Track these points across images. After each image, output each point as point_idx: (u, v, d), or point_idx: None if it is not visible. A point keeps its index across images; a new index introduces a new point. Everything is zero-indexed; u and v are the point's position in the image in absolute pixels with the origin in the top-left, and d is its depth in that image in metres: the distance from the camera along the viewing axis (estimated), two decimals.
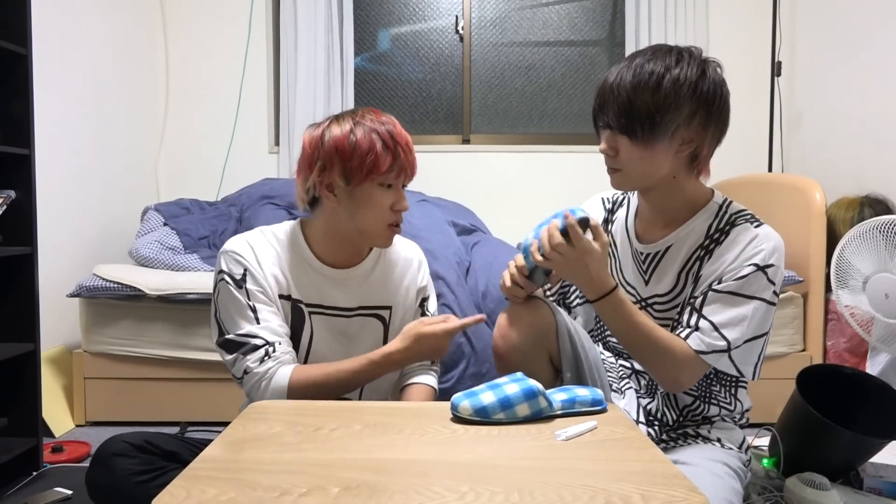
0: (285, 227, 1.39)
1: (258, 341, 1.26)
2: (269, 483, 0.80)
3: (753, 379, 1.23)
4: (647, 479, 0.82)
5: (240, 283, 1.28)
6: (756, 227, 1.21)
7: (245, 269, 1.29)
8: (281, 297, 1.33)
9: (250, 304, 1.28)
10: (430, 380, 1.46)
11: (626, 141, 1.20)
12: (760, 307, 1.18)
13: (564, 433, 0.97)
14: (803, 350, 2.48)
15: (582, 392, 1.09)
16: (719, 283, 1.19)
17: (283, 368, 1.25)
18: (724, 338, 1.18)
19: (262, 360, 1.25)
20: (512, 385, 1.05)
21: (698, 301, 1.21)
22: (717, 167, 3.52)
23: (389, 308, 1.41)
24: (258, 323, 1.27)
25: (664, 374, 1.23)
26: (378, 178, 1.26)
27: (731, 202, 1.28)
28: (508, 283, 1.30)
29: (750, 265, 1.17)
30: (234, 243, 1.32)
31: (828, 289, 2.37)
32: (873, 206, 2.53)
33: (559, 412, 1.06)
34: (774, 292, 1.19)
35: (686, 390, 1.28)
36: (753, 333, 1.19)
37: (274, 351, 1.26)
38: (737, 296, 1.18)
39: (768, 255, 1.17)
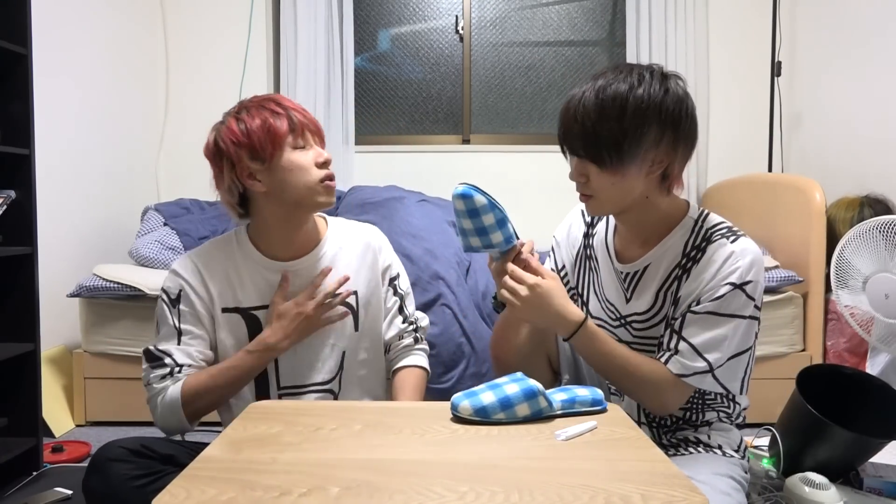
0: (230, 234, 1.40)
1: (169, 361, 1.28)
2: (269, 483, 0.80)
3: (741, 394, 1.23)
4: (647, 478, 0.82)
5: (174, 303, 1.32)
6: (732, 241, 1.18)
7: (181, 290, 1.32)
8: (227, 310, 1.33)
9: (178, 326, 1.31)
10: (418, 360, 1.45)
11: (595, 169, 1.17)
12: (741, 325, 1.17)
13: (564, 433, 0.97)
14: (803, 350, 2.48)
15: (582, 392, 1.10)
16: (698, 304, 1.18)
17: (178, 384, 1.27)
18: (705, 359, 1.17)
19: (163, 378, 1.27)
20: (512, 385, 1.06)
21: (678, 323, 1.20)
22: (717, 167, 3.55)
23: (355, 293, 1.40)
24: (178, 344, 1.30)
25: (648, 400, 1.22)
26: (286, 143, 1.27)
27: (707, 215, 1.26)
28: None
29: (726, 284, 1.16)
30: (180, 262, 1.36)
31: (828, 289, 2.37)
32: (873, 206, 2.53)
33: (559, 412, 1.06)
34: (756, 307, 1.18)
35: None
36: (736, 350, 1.18)
37: (179, 373, 1.28)
38: (715, 316, 1.17)
39: (745, 271, 1.15)
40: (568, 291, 1.43)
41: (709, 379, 1.17)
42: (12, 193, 1.88)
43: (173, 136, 3.43)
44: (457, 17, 3.56)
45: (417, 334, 1.48)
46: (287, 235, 1.35)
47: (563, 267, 1.43)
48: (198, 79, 3.43)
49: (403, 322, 1.46)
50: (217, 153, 1.30)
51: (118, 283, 2.34)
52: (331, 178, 1.32)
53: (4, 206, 1.85)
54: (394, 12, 3.59)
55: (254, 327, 1.34)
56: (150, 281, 2.36)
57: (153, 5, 3.37)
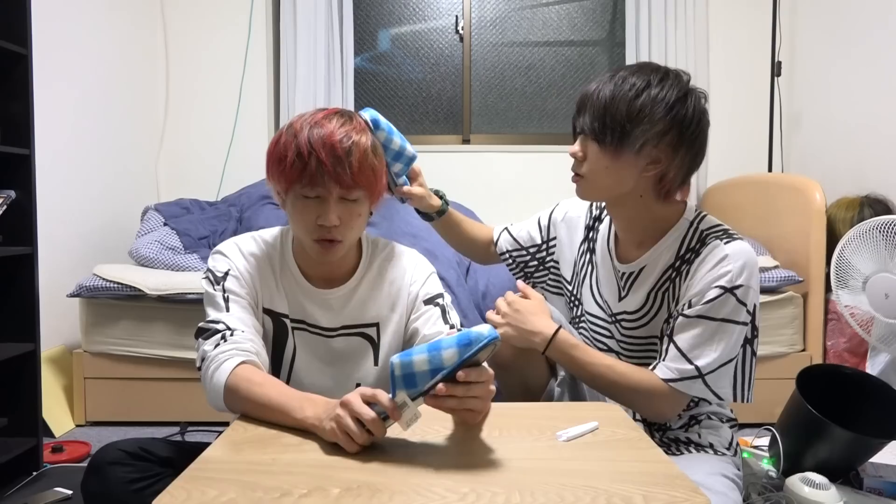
0: (275, 233, 1.32)
1: (220, 326, 1.19)
2: (270, 484, 0.80)
3: (738, 401, 1.21)
4: (649, 479, 0.82)
5: (219, 280, 1.25)
6: (727, 243, 1.18)
7: (228, 269, 1.26)
8: (264, 309, 1.28)
9: (225, 296, 1.23)
10: None
11: (596, 147, 1.20)
12: (734, 330, 1.16)
13: (566, 434, 0.97)
14: (803, 350, 2.48)
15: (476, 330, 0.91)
16: (689, 307, 1.18)
17: (233, 360, 1.13)
18: (693, 364, 1.17)
19: (217, 344, 1.16)
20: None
21: (669, 327, 1.21)
22: (717, 167, 3.55)
23: (376, 325, 1.30)
24: (227, 311, 1.21)
25: (641, 408, 1.24)
26: (298, 189, 1.16)
27: (703, 216, 1.25)
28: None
29: (716, 287, 1.15)
30: (226, 246, 1.29)
31: (828, 289, 2.37)
32: (873, 206, 2.53)
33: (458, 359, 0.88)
34: (748, 312, 1.17)
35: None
36: (729, 357, 1.18)
37: (232, 335, 1.17)
38: (705, 319, 1.16)
39: (735, 275, 1.15)
40: (547, 263, 1.49)
41: (698, 384, 1.17)
42: (12, 193, 1.87)
43: (173, 136, 3.43)
44: (457, 17, 3.56)
45: None
46: (315, 260, 1.26)
47: (555, 238, 1.48)
48: (198, 79, 3.43)
49: (446, 324, 1.27)
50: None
51: (118, 283, 2.34)
52: (328, 239, 1.18)
53: (4, 206, 1.85)
54: (394, 12, 3.59)
55: (280, 331, 1.28)
56: (150, 281, 2.36)
57: (153, 5, 3.37)
